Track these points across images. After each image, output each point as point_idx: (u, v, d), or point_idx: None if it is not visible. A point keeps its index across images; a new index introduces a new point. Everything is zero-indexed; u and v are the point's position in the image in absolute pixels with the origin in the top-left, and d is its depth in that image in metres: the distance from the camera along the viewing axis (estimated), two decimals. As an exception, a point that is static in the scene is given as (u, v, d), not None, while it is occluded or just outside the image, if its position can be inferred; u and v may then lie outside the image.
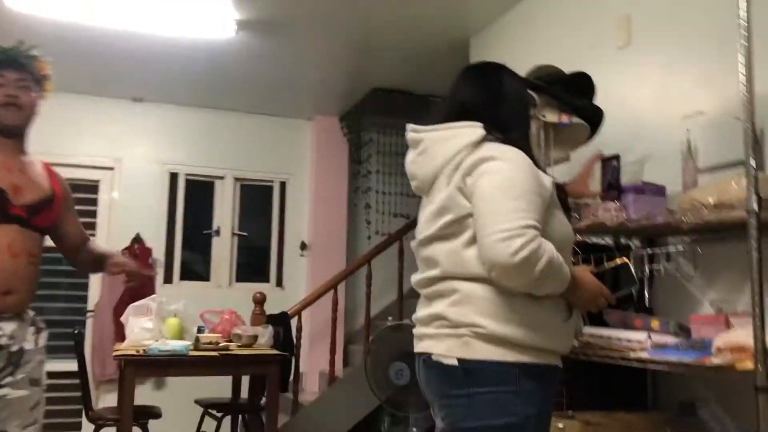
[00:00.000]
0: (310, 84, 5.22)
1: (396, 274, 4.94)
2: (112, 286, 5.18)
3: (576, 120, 2.55)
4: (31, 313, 2.19)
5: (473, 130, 1.61)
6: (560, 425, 2.23)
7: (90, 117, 5.40)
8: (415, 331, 1.69)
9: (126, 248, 5.27)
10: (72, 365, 3.80)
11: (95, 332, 5.17)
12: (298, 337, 4.59)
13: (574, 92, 2.58)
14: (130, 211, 5.43)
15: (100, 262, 2.36)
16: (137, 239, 5.36)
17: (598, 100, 2.64)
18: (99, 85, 5.21)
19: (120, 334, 4.07)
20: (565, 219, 1.66)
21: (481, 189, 1.52)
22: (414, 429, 3.65)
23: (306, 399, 4.80)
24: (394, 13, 3.94)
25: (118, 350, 3.13)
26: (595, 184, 2.51)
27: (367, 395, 3.59)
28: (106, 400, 5.03)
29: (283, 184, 6.01)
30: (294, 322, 4.55)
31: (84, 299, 5.30)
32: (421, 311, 1.67)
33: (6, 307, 2.05)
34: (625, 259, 1.67)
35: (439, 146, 1.64)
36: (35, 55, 2.25)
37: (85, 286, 5.30)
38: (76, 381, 3.78)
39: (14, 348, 2.08)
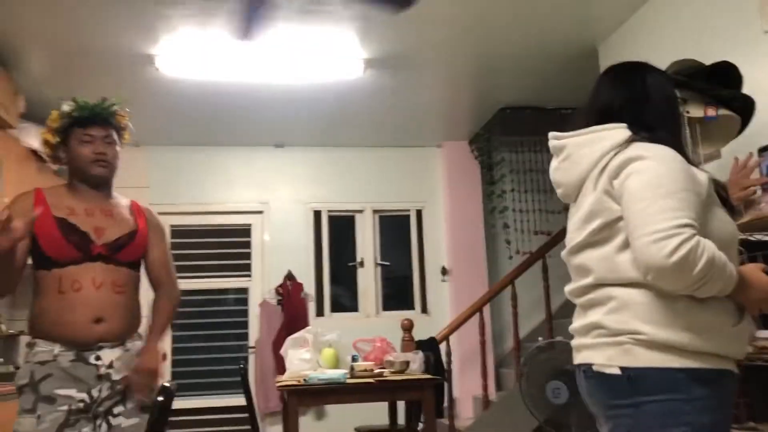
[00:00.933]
0: (438, 111, 5.31)
1: (542, 293, 4.84)
2: (270, 322, 5.50)
3: (723, 112, 2.40)
4: (138, 342, 2.26)
5: (618, 131, 1.57)
6: (741, 439, 2.07)
7: (238, 166, 5.84)
8: (573, 342, 1.65)
9: (279, 285, 5.61)
10: (240, 400, 4.03)
11: (258, 367, 5.49)
12: (449, 362, 4.60)
13: (718, 83, 2.44)
14: (280, 250, 5.76)
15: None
16: (289, 276, 5.67)
17: (746, 89, 2.47)
18: (243, 136, 5.62)
19: (280, 367, 4.28)
20: (726, 216, 1.56)
21: (631, 190, 1.47)
22: (577, 450, 3.51)
23: (462, 424, 4.77)
24: (515, 30, 3.93)
25: (280, 382, 3.30)
26: (755, 177, 2.34)
27: (523, 418, 3.51)
28: (272, 432, 5.30)
29: (419, 212, 6.11)
30: (443, 347, 4.56)
31: (246, 336, 5.64)
32: (578, 321, 1.63)
33: (99, 335, 2.14)
34: None
35: (584, 150, 1.61)
36: (116, 110, 2.35)
37: (245, 324, 5.66)
38: (245, 414, 4.01)
39: (117, 377, 2.15)
